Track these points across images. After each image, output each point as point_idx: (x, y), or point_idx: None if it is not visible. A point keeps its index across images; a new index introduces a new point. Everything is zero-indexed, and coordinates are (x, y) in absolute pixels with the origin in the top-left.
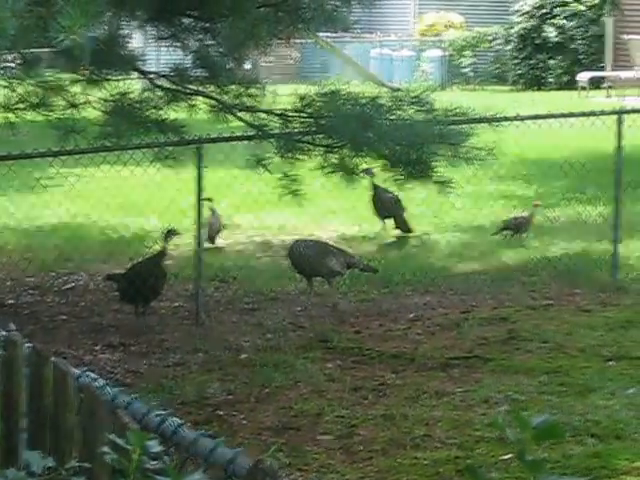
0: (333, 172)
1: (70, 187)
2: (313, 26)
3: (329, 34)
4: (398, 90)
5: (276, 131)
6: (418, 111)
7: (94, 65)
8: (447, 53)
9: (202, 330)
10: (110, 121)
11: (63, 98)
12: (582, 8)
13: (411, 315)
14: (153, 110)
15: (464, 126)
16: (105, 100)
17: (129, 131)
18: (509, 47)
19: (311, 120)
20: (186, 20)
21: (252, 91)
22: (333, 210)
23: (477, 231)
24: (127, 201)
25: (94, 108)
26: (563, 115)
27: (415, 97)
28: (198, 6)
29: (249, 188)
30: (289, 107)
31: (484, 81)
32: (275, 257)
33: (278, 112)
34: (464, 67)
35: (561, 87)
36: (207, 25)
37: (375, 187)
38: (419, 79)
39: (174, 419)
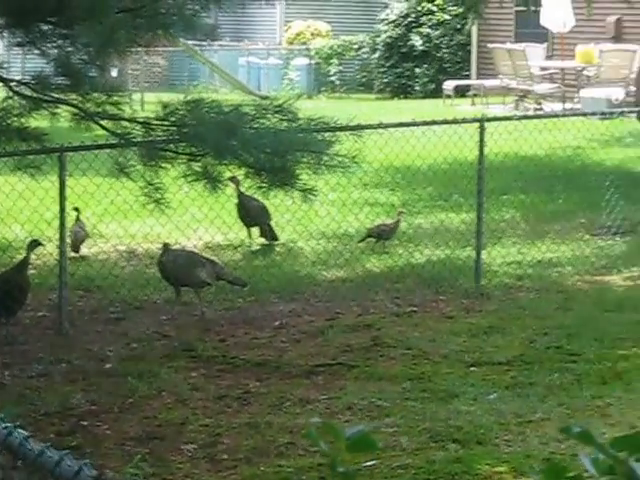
0: (197, 180)
1: None
2: (173, 32)
3: (197, 42)
4: (266, 98)
5: (139, 139)
6: (282, 119)
7: None
8: (314, 61)
9: (66, 340)
10: None
11: None
12: (447, 17)
13: (276, 323)
14: (15, 118)
15: (328, 134)
16: None
17: None
18: (375, 55)
19: (174, 128)
20: (45, 26)
21: (115, 99)
22: (198, 218)
23: (342, 239)
24: None
25: None
26: (426, 123)
27: (278, 106)
28: (56, 12)
29: (113, 197)
30: (153, 115)
31: (350, 89)
32: (140, 266)
33: (141, 120)
34: (331, 75)
35: (427, 95)
36: (65, 31)
37: (240, 195)
38: (286, 87)
39: (20, 431)
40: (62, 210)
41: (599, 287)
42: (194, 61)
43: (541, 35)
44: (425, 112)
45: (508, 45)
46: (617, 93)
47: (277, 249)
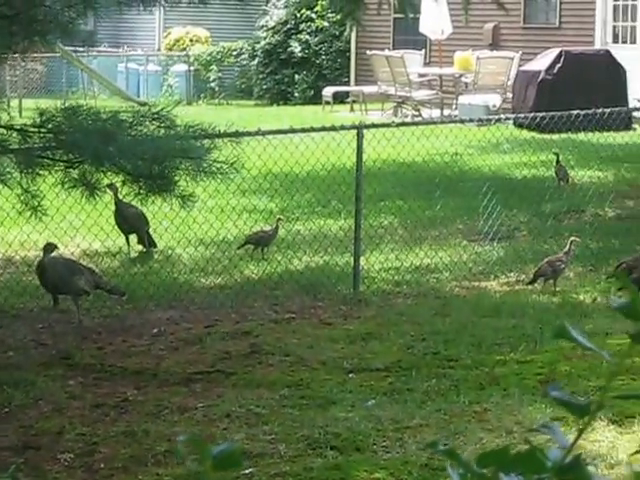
0: (74, 187)
1: None
2: (49, 39)
3: (77, 48)
4: (145, 104)
5: (16, 146)
6: (160, 126)
7: None
8: (193, 68)
9: None
10: None
11: None
12: (326, 24)
13: (154, 330)
14: None
15: (206, 141)
16: None
17: None
18: (255, 62)
19: (51, 135)
20: None
21: None
22: (75, 226)
23: (220, 246)
24: None
25: None
26: (304, 130)
27: (156, 112)
28: None
29: None
30: (30, 122)
31: (230, 95)
32: (17, 274)
33: (18, 127)
34: (210, 81)
35: (306, 102)
36: None
37: (118, 202)
38: (165, 93)
39: None
40: None
41: (476, 293)
42: (72, 67)
43: (419, 42)
44: (304, 118)
45: (386, 52)
46: (494, 100)
47: (155, 256)
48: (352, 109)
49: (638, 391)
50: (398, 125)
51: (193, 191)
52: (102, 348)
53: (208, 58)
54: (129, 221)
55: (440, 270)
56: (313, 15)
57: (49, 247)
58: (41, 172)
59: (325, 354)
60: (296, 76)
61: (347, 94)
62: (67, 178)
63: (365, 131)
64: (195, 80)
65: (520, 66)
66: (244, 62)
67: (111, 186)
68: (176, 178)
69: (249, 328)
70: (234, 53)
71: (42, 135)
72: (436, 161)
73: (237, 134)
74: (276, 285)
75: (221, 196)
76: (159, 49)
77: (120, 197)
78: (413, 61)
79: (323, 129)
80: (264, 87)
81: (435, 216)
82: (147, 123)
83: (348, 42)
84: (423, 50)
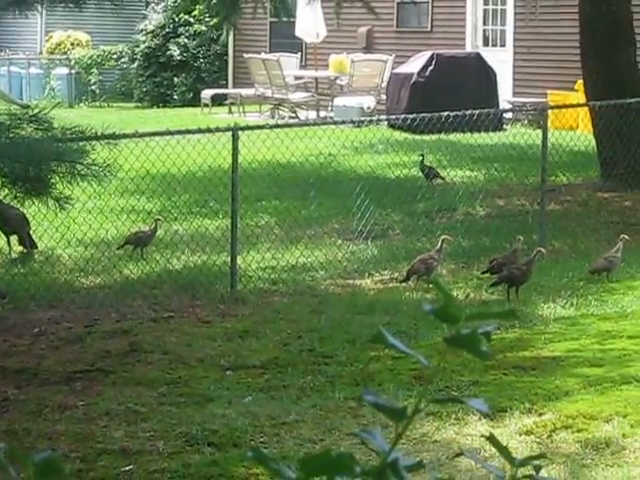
0: None
1: None
2: None
3: None
4: (28, 107)
5: None
6: (37, 129)
7: None
8: (74, 71)
9: None
10: None
11: None
12: (203, 28)
13: (35, 330)
14: None
15: (83, 143)
16: None
17: None
18: (134, 65)
19: None
20: None
21: None
22: None
23: (100, 246)
24: None
25: None
26: (180, 132)
27: (34, 115)
28: None
29: None
30: None
31: (111, 98)
32: None
33: None
34: (91, 84)
35: (185, 104)
36: None
37: None
38: (48, 96)
39: None
40: None
41: (351, 290)
42: None
43: (295, 45)
44: (183, 120)
45: (263, 55)
46: (369, 101)
47: (36, 257)
48: (230, 111)
49: (507, 387)
50: (273, 127)
51: (70, 193)
52: None
53: (89, 61)
54: (10, 222)
55: (316, 269)
56: (191, 19)
57: None
58: None
59: (203, 352)
60: (175, 79)
61: (225, 96)
62: None
63: (241, 133)
64: (76, 83)
65: (393, 69)
66: (124, 65)
67: None
68: (52, 180)
69: (128, 327)
70: (114, 56)
71: None
72: (311, 162)
73: (114, 136)
74: (155, 284)
75: (100, 197)
76: (41, 52)
77: (0, 198)
78: (289, 64)
79: (199, 131)
80: (144, 90)
81: (311, 216)
82: (24, 126)
83: (225, 45)
84: (299, 53)
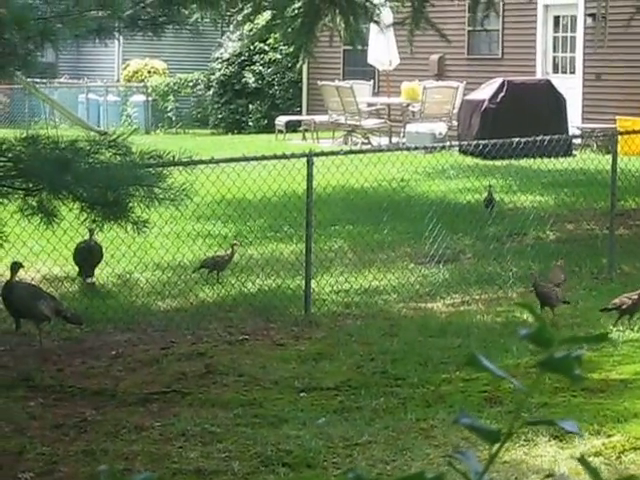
0: (33, 214)
1: None
2: (8, 71)
3: (37, 79)
4: (105, 134)
5: None
6: (115, 154)
7: None
8: (151, 98)
9: None
10: None
11: None
12: (278, 56)
13: (113, 352)
14: None
15: (160, 168)
16: None
17: None
18: (210, 92)
19: (11, 164)
20: None
21: None
22: (35, 252)
23: (177, 270)
24: None
25: None
26: (256, 158)
27: (112, 141)
28: None
29: None
30: None
31: (186, 125)
32: None
33: None
34: (168, 111)
35: (260, 130)
36: None
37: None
38: (125, 123)
39: None
40: None
41: (423, 313)
42: (35, 98)
43: (368, 73)
44: (258, 146)
45: (336, 82)
46: (440, 128)
47: (113, 280)
48: (304, 137)
49: (576, 409)
50: (346, 153)
51: (148, 217)
52: (62, 370)
53: (165, 89)
54: (94, 255)
55: (388, 292)
56: (266, 47)
57: (15, 266)
58: (1, 200)
59: (277, 374)
60: (250, 106)
61: (299, 123)
62: (26, 206)
63: (315, 159)
64: (153, 110)
65: (465, 95)
66: (200, 92)
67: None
68: (130, 205)
69: (204, 349)
70: (190, 84)
71: (2, 164)
72: (384, 187)
73: (191, 162)
74: (230, 307)
75: (177, 222)
76: (118, 80)
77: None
78: (362, 91)
79: (275, 157)
80: (219, 116)
81: (383, 240)
82: (103, 151)
83: (300, 73)
84: (372, 80)
